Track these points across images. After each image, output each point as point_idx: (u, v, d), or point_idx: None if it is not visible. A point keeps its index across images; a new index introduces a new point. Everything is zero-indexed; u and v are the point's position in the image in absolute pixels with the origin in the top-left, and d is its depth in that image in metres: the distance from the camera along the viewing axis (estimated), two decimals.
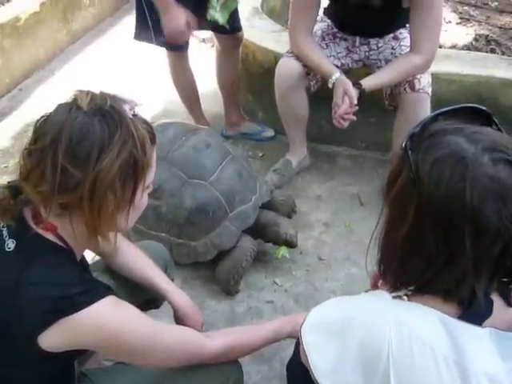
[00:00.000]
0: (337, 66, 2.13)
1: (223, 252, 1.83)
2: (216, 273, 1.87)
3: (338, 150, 2.62)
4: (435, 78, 2.29)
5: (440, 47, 3.09)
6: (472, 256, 0.71)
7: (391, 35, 2.09)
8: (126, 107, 0.94)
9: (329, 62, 1.96)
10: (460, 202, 0.70)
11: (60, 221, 0.94)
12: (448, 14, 3.78)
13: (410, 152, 0.77)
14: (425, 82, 1.91)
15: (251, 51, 2.58)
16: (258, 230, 1.92)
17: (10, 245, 0.94)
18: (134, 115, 0.95)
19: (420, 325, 0.76)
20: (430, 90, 1.94)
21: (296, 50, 2.02)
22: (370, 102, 2.20)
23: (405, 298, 0.81)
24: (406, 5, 1.82)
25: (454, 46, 3.23)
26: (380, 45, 2.11)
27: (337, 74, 1.89)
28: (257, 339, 1.26)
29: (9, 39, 3.26)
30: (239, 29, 2.36)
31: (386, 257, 0.85)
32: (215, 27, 2.28)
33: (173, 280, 1.56)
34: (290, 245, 1.92)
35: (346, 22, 2.10)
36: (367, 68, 2.20)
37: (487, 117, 0.81)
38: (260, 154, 2.62)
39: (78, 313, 0.90)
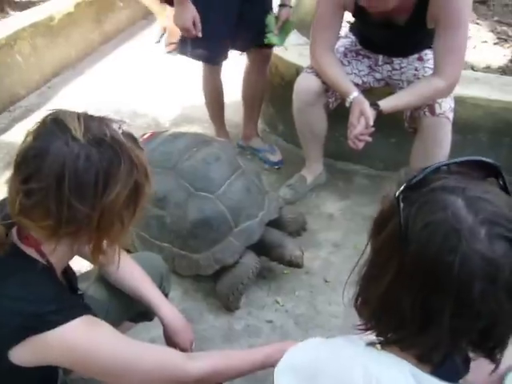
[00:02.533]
0: (357, 84, 2.09)
1: (225, 267, 1.81)
2: (216, 287, 1.84)
3: (356, 169, 2.56)
4: (461, 101, 2.22)
5: (473, 68, 3.02)
6: (449, 329, 0.66)
7: (416, 56, 2.03)
8: (115, 126, 0.93)
9: (347, 80, 1.91)
10: (446, 275, 0.65)
11: (47, 240, 0.92)
12: (485, 34, 3.67)
13: (402, 205, 0.71)
14: (446, 106, 1.84)
15: (274, 63, 2.56)
16: (263, 249, 1.89)
17: None
18: (123, 133, 0.93)
19: (390, 378, 0.71)
20: (451, 116, 1.86)
21: (316, 65, 1.98)
22: (391, 122, 2.14)
23: (378, 346, 0.76)
24: (431, 25, 1.76)
25: (488, 67, 3.13)
26: (403, 65, 2.05)
27: (354, 94, 1.84)
28: (244, 365, 1.22)
29: (42, 38, 3.34)
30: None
31: (362, 298, 0.80)
32: (245, 43, 2.32)
33: (167, 293, 1.54)
34: (295, 266, 1.88)
35: (370, 40, 2.05)
36: (390, 88, 2.14)
37: (495, 169, 0.74)
38: (276, 167, 2.59)
39: (50, 331, 0.89)
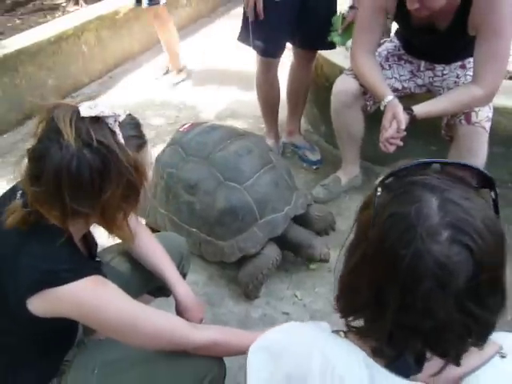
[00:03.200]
0: (397, 89, 2.09)
1: (248, 256, 1.87)
2: (238, 275, 1.90)
3: None
4: (506, 112, 2.17)
5: None
6: (396, 323, 0.67)
7: (459, 63, 2.00)
8: (111, 120, 0.97)
9: (384, 83, 1.92)
10: (397, 267, 0.65)
11: (61, 223, 1.03)
12: None
13: (379, 191, 0.74)
14: (483, 115, 1.81)
15: (320, 64, 2.59)
16: (289, 245, 1.94)
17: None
18: (121, 124, 0.98)
19: (345, 366, 0.73)
20: (487, 125, 1.83)
21: (355, 68, 2.00)
22: (431, 129, 2.13)
23: (342, 333, 0.79)
24: (472, 32, 1.74)
25: None
26: (445, 72, 2.03)
27: (389, 97, 1.84)
28: (244, 344, 1.27)
29: (107, 30, 3.55)
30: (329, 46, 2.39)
31: (338, 282, 0.83)
32: (301, 43, 2.37)
33: (186, 273, 1.62)
34: (324, 261, 1.93)
35: (412, 45, 2.04)
36: (431, 94, 2.12)
37: (490, 181, 0.72)
38: (314, 167, 2.62)
39: (61, 287, 0.98)
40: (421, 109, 1.82)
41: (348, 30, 2.21)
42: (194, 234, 1.94)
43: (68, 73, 3.36)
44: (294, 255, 2.00)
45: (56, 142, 0.93)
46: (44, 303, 1.00)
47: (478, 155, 1.88)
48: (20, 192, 1.05)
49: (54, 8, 5.25)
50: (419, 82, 2.11)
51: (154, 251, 1.44)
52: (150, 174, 1.12)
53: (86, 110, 0.95)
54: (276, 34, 2.23)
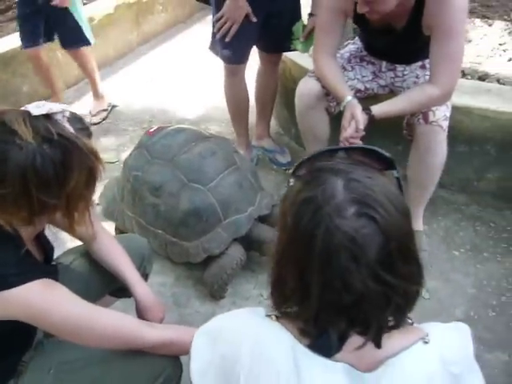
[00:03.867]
0: (360, 90, 2.13)
1: (212, 256, 1.89)
2: (204, 275, 1.92)
3: None
4: (468, 112, 2.22)
5: (498, 81, 2.97)
6: (321, 301, 0.71)
7: (419, 63, 2.04)
8: (59, 116, 1.01)
9: (344, 84, 1.95)
10: (312, 248, 0.69)
11: (24, 226, 1.06)
12: None
13: (291, 182, 0.77)
14: (440, 114, 1.84)
15: (288, 67, 2.63)
16: (254, 243, 1.96)
17: None
18: (69, 119, 1.03)
19: (274, 348, 0.76)
20: (445, 124, 1.86)
21: (316, 70, 2.03)
22: (397, 129, 2.16)
23: (273, 317, 0.82)
24: (426, 32, 1.77)
25: (509, 81, 3.07)
26: (406, 72, 2.07)
27: (348, 98, 1.88)
28: None
29: None
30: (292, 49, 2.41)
31: (269, 277, 0.86)
32: (269, 46, 2.40)
33: (148, 274, 1.64)
34: None
35: (373, 46, 2.08)
36: (394, 95, 2.16)
37: (391, 163, 0.78)
38: (284, 169, 2.65)
39: (9, 290, 1.00)
40: (379, 109, 1.85)
41: (309, 37, 2.25)
42: (160, 236, 1.96)
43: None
44: (260, 255, 2.02)
45: (13, 143, 0.95)
46: None
47: (437, 154, 1.92)
48: None
49: None
50: (381, 82, 2.15)
51: (114, 252, 1.46)
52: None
53: (36, 109, 0.99)
54: (241, 42, 2.25)
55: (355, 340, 0.74)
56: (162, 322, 1.48)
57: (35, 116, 0.98)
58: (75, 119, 1.06)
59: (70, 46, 3.01)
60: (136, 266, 1.50)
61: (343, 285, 0.68)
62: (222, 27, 2.19)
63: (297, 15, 2.31)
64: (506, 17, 4.28)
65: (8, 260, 1.03)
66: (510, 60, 3.38)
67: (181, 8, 4.27)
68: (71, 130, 1.02)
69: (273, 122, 2.90)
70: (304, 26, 2.31)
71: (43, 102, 1.03)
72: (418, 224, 2.13)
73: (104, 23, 3.66)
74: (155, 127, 2.15)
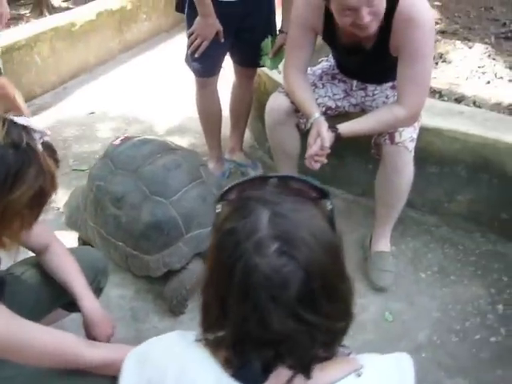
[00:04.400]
0: (331, 108, 2.12)
1: (173, 271, 1.85)
2: (163, 290, 1.88)
3: (335, 192, 2.55)
4: (438, 133, 2.21)
5: (474, 103, 2.98)
6: (238, 334, 0.68)
7: (389, 84, 2.03)
8: (37, 136, 1.02)
9: (313, 101, 1.93)
10: (233, 280, 0.66)
11: None
12: (502, 70, 3.62)
13: (218, 208, 0.74)
14: (406, 135, 1.83)
15: (263, 81, 2.62)
16: None
17: None
18: (43, 143, 1.04)
19: (199, 375, 0.74)
20: (411, 146, 1.85)
21: (286, 86, 2.02)
22: (369, 148, 2.15)
23: (202, 343, 0.79)
24: (394, 53, 1.76)
25: (498, 104, 3.08)
26: (376, 92, 2.06)
27: (316, 115, 1.86)
28: None
29: (62, 42, 3.53)
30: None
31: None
32: (242, 61, 2.40)
33: (102, 287, 1.60)
34: None
35: (344, 65, 2.07)
36: (365, 113, 2.15)
37: (324, 193, 0.75)
38: None
39: None
40: (346, 127, 1.84)
41: (278, 54, 2.24)
42: (121, 248, 1.92)
43: (19, 83, 3.28)
44: None
45: None
46: None
47: (404, 174, 1.90)
48: None
49: (18, 18, 5.22)
50: (353, 101, 2.14)
51: (65, 264, 1.43)
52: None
53: (21, 119, 1.02)
54: (210, 57, 2.24)
55: (283, 372, 0.71)
56: (111, 338, 1.44)
57: (15, 123, 1.00)
58: (49, 146, 1.06)
59: None
60: (89, 280, 1.46)
61: (262, 323, 0.66)
62: (192, 43, 2.17)
63: (270, 31, 2.30)
64: (486, 40, 4.32)
65: None
66: (488, 83, 3.41)
67: (164, 17, 4.26)
68: (40, 149, 1.02)
69: (248, 136, 2.88)
70: (273, 42, 2.30)
71: (31, 119, 1.06)
72: (385, 244, 2.11)
73: (86, 29, 3.64)
74: (122, 137, 2.12)
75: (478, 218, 2.33)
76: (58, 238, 1.47)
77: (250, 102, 2.58)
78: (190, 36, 2.19)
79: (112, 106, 3.37)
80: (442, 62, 3.92)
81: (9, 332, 1.05)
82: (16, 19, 5.19)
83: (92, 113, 3.30)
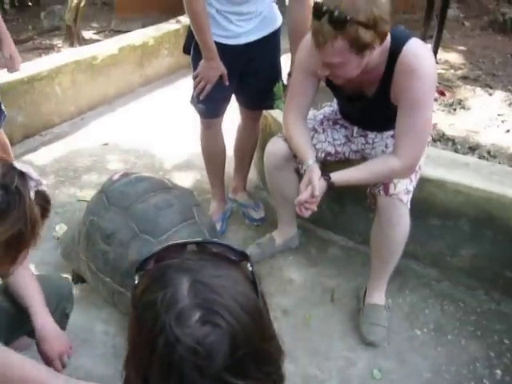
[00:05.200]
0: (330, 153, 2.10)
1: None
2: None
3: (335, 239, 2.51)
4: (441, 185, 2.15)
5: (489, 152, 2.91)
6: None
7: (390, 132, 2.00)
8: (32, 183, 1.07)
9: (309, 147, 1.92)
10: (155, 354, 0.63)
11: None
12: None
13: (136, 279, 0.72)
14: (401, 187, 1.79)
15: (269, 123, 2.62)
16: None
17: None
18: (37, 191, 1.08)
19: None
20: (405, 198, 1.80)
21: (284, 130, 2.01)
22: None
23: None
24: (394, 102, 1.73)
25: (501, 153, 3.02)
26: (376, 140, 2.03)
27: (309, 161, 1.84)
28: None
29: (83, 74, 3.64)
30: (272, 106, 2.41)
31: None
32: (248, 103, 2.41)
33: (69, 313, 1.64)
34: None
35: (345, 110, 2.06)
36: (365, 161, 2.12)
37: (244, 255, 0.73)
38: (255, 224, 2.60)
39: None
40: (339, 176, 1.81)
41: None
42: (108, 284, 1.90)
43: (39, 112, 3.43)
44: None
45: None
46: None
47: (399, 227, 1.85)
48: None
49: (50, 48, 5.45)
50: (353, 147, 2.12)
51: (26, 286, 1.45)
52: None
53: (20, 165, 1.07)
54: (215, 99, 2.25)
55: None
56: (65, 357, 1.43)
57: (13, 167, 1.05)
58: (43, 196, 1.10)
59: None
60: (53, 306, 1.49)
61: None
62: (197, 85, 2.19)
63: (275, 74, 2.32)
64: (510, 87, 4.26)
65: None
66: (507, 131, 3.34)
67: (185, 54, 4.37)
68: (33, 198, 1.06)
69: (253, 175, 2.87)
70: (285, 86, 2.31)
71: (29, 167, 1.10)
72: (379, 297, 2.04)
73: (107, 63, 3.75)
74: (121, 173, 2.14)
75: (482, 275, 2.24)
76: (26, 265, 1.48)
77: (255, 143, 2.59)
78: (195, 78, 2.22)
79: (125, 138, 3.43)
80: (461, 108, 3.87)
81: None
82: (48, 49, 5.43)
83: (106, 144, 3.36)
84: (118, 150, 3.30)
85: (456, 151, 3.04)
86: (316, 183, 1.76)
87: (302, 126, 1.97)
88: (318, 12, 1.51)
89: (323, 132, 2.09)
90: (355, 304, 2.13)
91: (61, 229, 2.50)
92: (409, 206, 1.84)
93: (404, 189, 1.80)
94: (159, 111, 3.79)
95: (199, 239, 0.73)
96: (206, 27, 2.04)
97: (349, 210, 2.45)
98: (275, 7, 2.23)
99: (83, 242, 2.02)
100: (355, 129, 2.08)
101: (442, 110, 3.84)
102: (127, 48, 3.86)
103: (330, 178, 1.80)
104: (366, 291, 2.08)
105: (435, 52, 4.78)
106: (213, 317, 0.62)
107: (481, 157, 2.93)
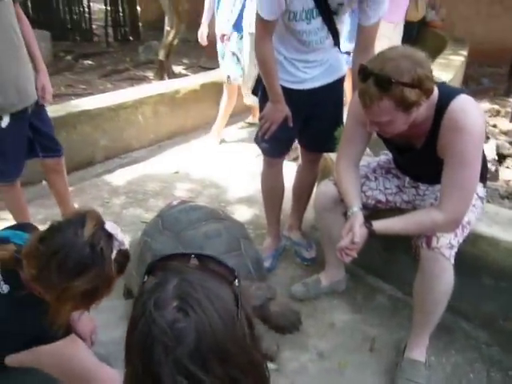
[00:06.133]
0: (381, 201, 2.10)
1: None
2: None
3: (383, 287, 2.47)
4: (495, 243, 2.07)
5: None
6: None
7: None
8: (116, 243, 1.25)
9: (356, 195, 1.93)
10: (131, 338, 0.73)
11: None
12: None
13: (145, 278, 0.81)
14: (444, 242, 1.75)
15: (328, 165, 2.67)
16: None
17: (4, 288, 1.27)
18: (119, 251, 1.26)
19: None
20: (448, 253, 1.75)
21: (336, 175, 2.05)
22: None
23: None
24: (441, 156, 1.73)
25: None
26: (427, 192, 2.02)
27: (354, 208, 1.86)
28: None
29: (164, 106, 3.92)
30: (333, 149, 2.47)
31: None
32: (308, 145, 2.50)
33: None
34: (269, 360, 1.90)
35: (397, 160, 2.07)
36: None
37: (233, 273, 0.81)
38: (306, 264, 2.63)
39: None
40: (381, 225, 1.81)
41: None
42: None
43: (120, 137, 3.72)
44: None
45: (75, 229, 1.21)
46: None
47: (441, 281, 1.81)
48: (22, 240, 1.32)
49: (142, 79, 5.90)
50: (405, 197, 2.11)
51: None
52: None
53: (110, 226, 1.26)
54: (279, 139, 2.34)
55: None
56: (93, 333, 1.70)
57: (103, 228, 1.23)
58: (124, 255, 1.28)
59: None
60: None
61: (154, 379, 0.69)
62: (263, 126, 2.31)
63: (338, 119, 2.37)
64: None
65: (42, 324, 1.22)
66: None
67: None
68: (114, 256, 1.23)
69: (310, 215, 2.90)
70: None
71: (118, 228, 1.29)
72: (420, 353, 1.97)
73: (188, 97, 4.01)
74: (179, 200, 2.28)
75: None
76: None
77: (313, 184, 2.64)
78: (260, 119, 2.33)
79: (195, 168, 3.62)
80: None
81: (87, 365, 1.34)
82: (140, 80, 5.88)
83: (176, 172, 3.57)
84: (186, 179, 3.49)
85: None
86: (357, 230, 1.78)
87: (353, 172, 2.01)
88: (363, 74, 1.57)
89: (375, 180, 2.11)
90: (394, 357, 2.07)
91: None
92: (452, 260, 1.79)
93: (447, 243, 1.76)
94: (229, 147, 3.97)
95: (199, 252, 0.82)
96: (273, 72, 2.15)
97: (400, 259, 2.41)
98: (341, 56, 2.31)
99: (135, 260, 2.16)
100: (407, 179, 2.08)
101: None
102: (208, 85, 4.11)
103: (371, 225, 1.81)
104: (406, 345, 2.03)
105: None
106: (187, 307, 0.71)
107: None
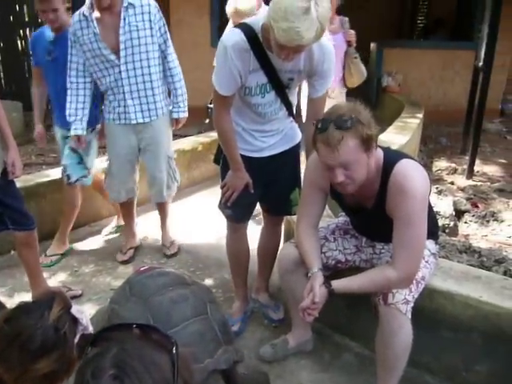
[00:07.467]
0: (341, 261, 2.21)
1: None
2: None
3: (350, 345, 2.52)
4: (450, 297, 2.18)
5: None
6: None
7: None
8: (81, 327, 1.24)
9: (315, 256, 2.03)
10: None
11: None
12: None
13: (89, 349, 0.88)
14: (400, 297, 1.85)
15: (292, 228, 2.77)
16: None
17: None
18: (83, 335, 1.25)
19: None
20: (404, 308, 1.85)
21: (296, 237, 2.16)
22: None
23: None
24: (391, 216, 1.85)
25: None
26: (383, 251, 2.13)
27: (314, 269, 1.96)
28: None
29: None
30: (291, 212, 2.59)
31: None
32: (270, 209, 2.62)
33: None
34: None
35: (352, 222, 2.20)
36: None
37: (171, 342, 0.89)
38: (273, 325, 2.67)
39: None
40: (339, 284, 1.91)
41: None
42: None
43: (90, 206, 3.78)
44: None
45: (41, 311, 1.20)
46: None
47: (400, 337, 1.89)
48: None
49: None
50: (363, 256, 2.22)
51: None
52: None
53: (76, 311, 1.25)
54: (241, 205, 2.44)
55: None
56: None
57: (68, 312, 1.24)
58: (86, 339, 1.23)
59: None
60: None
61: None
62: (225, 193, 2.42)
63: (296, 182, 2.51)
64: None
65: None
66: None
67: None
68: (76, 340, 1.22)
69: (277, 277, 2.97)
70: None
71: (84, 312, 1.29)
72: None
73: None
74: (146, 266, 2.33)
75: None
76: None
77: (277, 246, 2.73)
78: (222, 187, 2.45)
79: (190, 228, 3.76)
80: (494, 220, 3.89)
81: None
82: None
83: (145, 237, 3.63)
84: (155, 245, 3.55)
85: (482, 263, 3.04)
86: (317, 290, 1.87)
87: (312, 234, 2.11)
88: (322, 124, 1.72)
89: (334, 241, 2.22)
90: None
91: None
92: (409, 315, 1.88)
93: (402, 299, 1.86)
94: (199, 212, 4.07)
95: (142, 323, 0.89)
96: (232, 143, 2.30)
97: (364, 317, 2.48)
98: (295, 126, 2.49)
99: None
100: (364, 239, 2.20)
101: (475, 222, 3.88)
102: (177, 152, 4.24)
103: (330, 285, 1.90)
104: None
105: (471, 165, 4.90)
106: (122, 375, 0.78)
107: (507, 270, 2.91)
